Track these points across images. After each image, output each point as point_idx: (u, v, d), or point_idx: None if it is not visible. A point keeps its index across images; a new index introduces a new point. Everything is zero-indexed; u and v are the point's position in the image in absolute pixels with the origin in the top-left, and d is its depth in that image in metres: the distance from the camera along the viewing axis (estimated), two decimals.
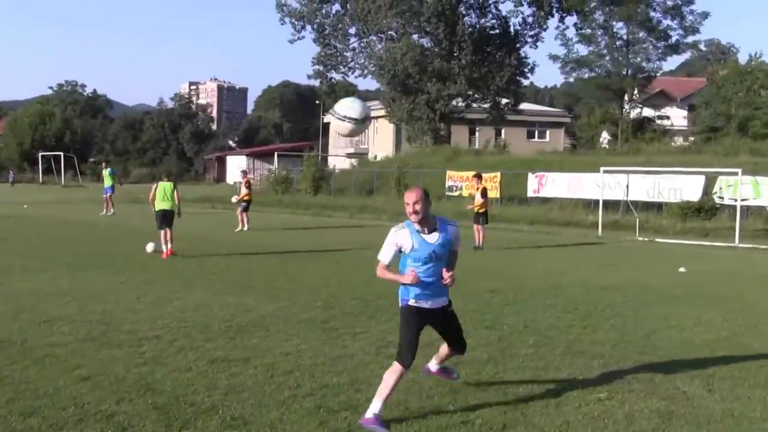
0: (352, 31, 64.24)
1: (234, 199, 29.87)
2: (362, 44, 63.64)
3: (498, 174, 40.16)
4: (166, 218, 19.28)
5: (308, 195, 48.25)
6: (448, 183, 42.37)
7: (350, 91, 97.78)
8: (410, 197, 6.68)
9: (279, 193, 50.19)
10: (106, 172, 37.32)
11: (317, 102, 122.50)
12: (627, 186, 34.05)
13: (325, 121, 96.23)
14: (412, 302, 6.83)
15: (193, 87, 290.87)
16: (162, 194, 19.53)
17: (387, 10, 56.91)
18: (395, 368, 6.66)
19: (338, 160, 75.30)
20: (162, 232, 19.16)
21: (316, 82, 71.65)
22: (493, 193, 39.23)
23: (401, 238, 6.75)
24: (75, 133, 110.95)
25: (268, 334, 10.00)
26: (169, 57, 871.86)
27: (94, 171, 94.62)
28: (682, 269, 17.75)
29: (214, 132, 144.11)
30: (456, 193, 41.57)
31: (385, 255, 6.81)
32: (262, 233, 26.40)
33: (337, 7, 64.50)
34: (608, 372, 8.25)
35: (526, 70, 61.88)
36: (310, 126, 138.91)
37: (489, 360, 8.73)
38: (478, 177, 24.52)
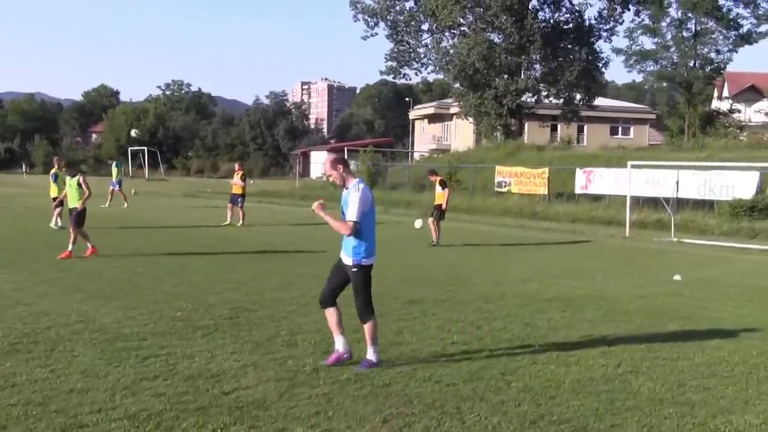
0: (425, 27, 63.46)
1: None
2: (434, 40, 62.71)
3: (546, 170, 38.86)
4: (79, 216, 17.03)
5: None
6: (498, 179, 41.22)
7: (446, 89, 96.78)
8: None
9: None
10: (113, 167, 38.54)
11: (406, 99, 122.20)
12: (677, 183, 32.26)
13: (411, 117, 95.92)
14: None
15: (305, 86, 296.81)
16: (68, 191, 17.50)
17: (453, 5, 55.87)
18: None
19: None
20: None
21: (389, 77, 70.63)
22: (541, 190, 38.07)
23: None
24: (168, 129, 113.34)
25: (50, 353, 8.49)
26: (282, 57, 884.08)
27: (184, 165, 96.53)
28: (677, 277, 16.22)
29: (308, 128, 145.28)
30: (505, 189, 40.43)
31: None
32: (249, 229, 25.66)
33: (410, 3, 63.80)
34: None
35: (600, 64, 59.88)
36: (403, 123, 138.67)
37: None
38: (432, 172, 24.28)
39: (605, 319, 11.44)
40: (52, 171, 25.53)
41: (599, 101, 70.07)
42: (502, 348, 9.29)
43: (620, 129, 77.90)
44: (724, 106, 62.73)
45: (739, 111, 65.83)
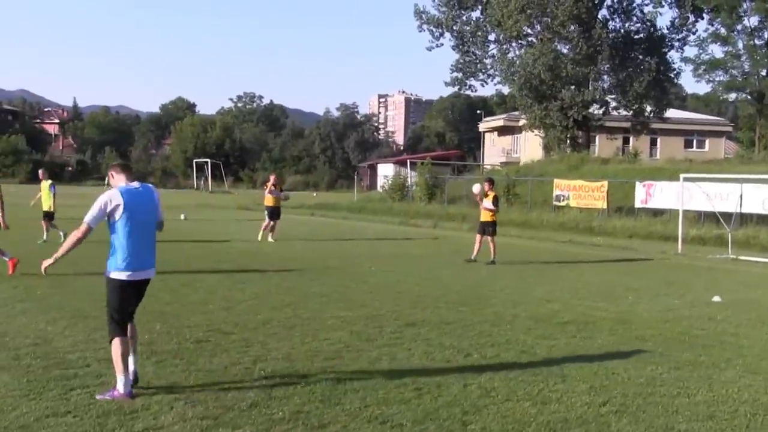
0: (492, 37, 62.44)
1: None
2: (501, 50, 61.64)
3: (605, 183, 37.45)
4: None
5: (421, 203, 46.83)
6: (556, 192, 39.91)
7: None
8: None
9: (395, 200, 49.11)
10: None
11: (477, 111, 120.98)
12: (740, 197, 30.71)
13: (480, 129, 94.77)
14: None
15: (381, 99, 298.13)
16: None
17: (519, 14, 54.75)
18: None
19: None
20: None
21: (454, 89, 69.69)
22: (600, 203, 36.77)
23: None
24: (234, 141, 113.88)
25: None
26: (359, 70, 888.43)
27: (250, 178, 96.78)
28: (716, 298, 14.99)
29: (379, 140, 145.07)
30: (563, 203, 39.13)
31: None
32: (282, 244, 24.76)
33: (476, 13, 62.88)
34: None
35: (672, 75, 58.07)
36: (475, 136, 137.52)
37: None
38: (491, 183, 21.85)
39: (616, 346, 10.39)
40: (49, 182, 24.34)
41: (673, 113, 68.42)
42: (481, 380, 8.34)
43: (695, 142, 75.89)
44: None
45: None
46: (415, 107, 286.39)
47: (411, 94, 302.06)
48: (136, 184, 7.65)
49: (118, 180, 7.62)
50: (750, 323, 12.54)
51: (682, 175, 28.31)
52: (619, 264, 21.91)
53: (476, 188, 21.60)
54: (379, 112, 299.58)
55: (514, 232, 31.25)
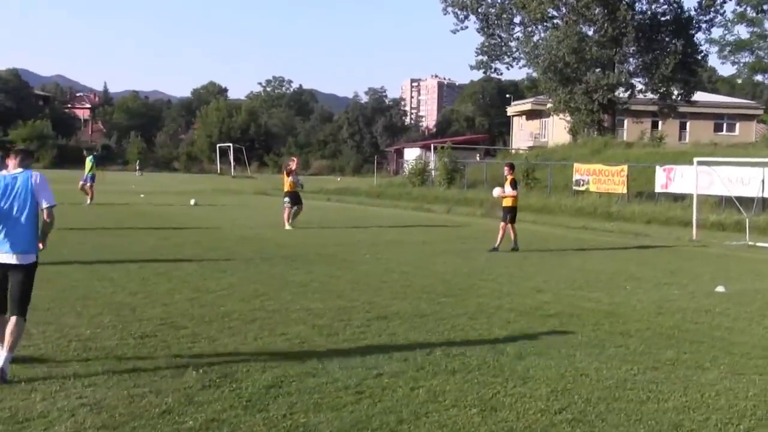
0: (517, 20, 61.32)
1: None
2: (526, 33, 60.50)
3: (624, 167, 36.49)
4: None
5: (441, 188, 46.06)
6: (575, 177, 38.98)
7: None
8: None
9: (416, 185, 48.42)
10: (88, 160, 33.06)
11: (507, 95, 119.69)
12: (762, 181, 29.73)
13: (508, 113, 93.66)
14: None
15: (414, 84, 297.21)
16: None
17: None
18: None
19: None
20: None
21: (480, 73, 68.60)
22: (620, 188, 35.84)
23: None
24: (260, 126, 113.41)
25: None
26: (393, 53, 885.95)
27: (275, 163, 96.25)
28: (720, 288, 14.18)
29: (408, 125, 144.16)
30: (583, 188, 38.20)
31: None
32: (283, 231, 24.08)
33: None
34: None
35: (699, 57, 56.65)
36: (506, 120, 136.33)
37: None
38: (510, 167, 20.98)
39: (595, 342, 9.65)
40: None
41: (702, 96, 67.06)
42: (433, 383, 7.65)
43: (725, 125, 74.46)
44: None
45: None
46: (448, 92, 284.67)
47: (444, 78, 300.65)
48: (17, 170, 7.53)
49: (13, 167, 7.58)
50: (748, 316, 11.74)
51: (696, 159, 27.36)
52: (628, 251, 21.07)
53: (496, 192, 20.85)
54: (412, 97, 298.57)
55: (530, 217, 30.36)
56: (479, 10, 61.74)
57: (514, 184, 20.44)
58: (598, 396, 7.36)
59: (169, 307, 11.07)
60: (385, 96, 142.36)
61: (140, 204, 34.59)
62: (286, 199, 25.04)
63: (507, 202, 20.24)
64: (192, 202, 34.89)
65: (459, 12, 62.36)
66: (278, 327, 9.97)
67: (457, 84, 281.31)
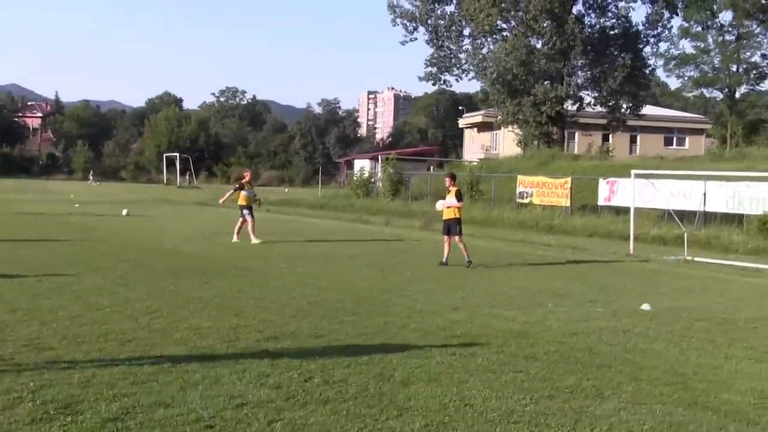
0: (467, 32, 60.96)
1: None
2: (475, 45, 60.17)
3: (568, 180, 36.03)
4: None
5: (386, 200, 45.40)
6: (519, 189, 38.48)
7: None
8: None
9: (360, 196, 47.72)
10: None
11: (459, 107, 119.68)
12: (704, 195, 29.40)
13: (460, 125, 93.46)
14: None
15: (371, 96, 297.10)
16: None
17: (491, 8, 53.31)
18: None
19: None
20: None
21: (428, 84, 68.21)
22: (563, 201, 35.40)
23: None
24: (209, 135, 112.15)
25: None
26: (351, 66, 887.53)
27: (224, 173, 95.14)
28: (645, 306, 13.58)
29: (360, 136, 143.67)
30: (527, 200, 37.71)
31: None
32: (207, 242, 23.44)
33: (451, 7, 61.35)
34: None
35: (647, 71, 56.71)
36: (459, 132, 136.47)
37: None
38: (452, 177, 20.33)
39: (493, 367, 8.91)
40: None
41: (652, 110, 67.41)
42: (297, 415, 6.90)
43: (675, 139, 74.95)
44: None
45: None
46: (404, 104, 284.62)
47: (400, 91, 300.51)
48: None
49: None
50: (667, 337, 11.12)
51: (633, 172, 26.96)
52: (561, 266, 20.44)
53: (439, 205, 20.16)
54: (369, 109, 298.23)
55: (470, 230, 29.57)
56: (428, 21, 61.32)
57: (459, 196, 19.74)
58: (476, 431, 6.63)
59: (45, 326, 10.22)
60: (339, 107, 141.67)
61: (72, 214, 33.59)
62: (245, 211, 23.91)
63: (450, 214, 19.52)
64: (124, 212, 33.91)
65: (408, 23, 61.91)
66: (154, 348, 9.18)
67: (413, 96, 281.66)
